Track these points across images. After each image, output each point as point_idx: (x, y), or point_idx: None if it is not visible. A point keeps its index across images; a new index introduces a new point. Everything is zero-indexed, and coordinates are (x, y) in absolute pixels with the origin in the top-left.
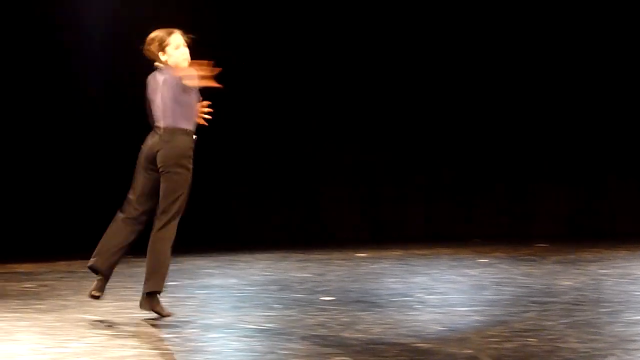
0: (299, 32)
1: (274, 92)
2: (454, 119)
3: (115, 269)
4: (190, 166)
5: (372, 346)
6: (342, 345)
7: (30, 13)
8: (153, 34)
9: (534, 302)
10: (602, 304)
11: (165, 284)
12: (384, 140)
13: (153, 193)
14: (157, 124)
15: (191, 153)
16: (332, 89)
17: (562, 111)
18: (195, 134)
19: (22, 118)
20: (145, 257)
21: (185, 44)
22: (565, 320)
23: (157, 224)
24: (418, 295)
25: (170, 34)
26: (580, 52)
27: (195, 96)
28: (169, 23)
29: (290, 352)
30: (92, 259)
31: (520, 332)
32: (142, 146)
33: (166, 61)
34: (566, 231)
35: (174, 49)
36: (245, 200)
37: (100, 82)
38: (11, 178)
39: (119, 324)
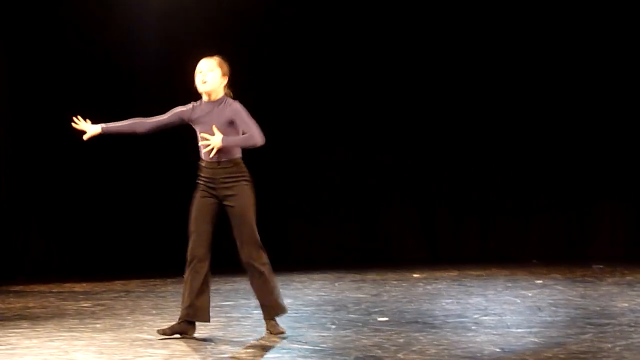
0: (354, 54)
1: (331, 112)
2: (510, 140)
3: (173, 289)
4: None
5: None
6: None
7: (87, 38)
8: None
9: (590, 324)
10: None
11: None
12: (440, 160)
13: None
14: None
15: (198, 181)
16: (389, 111)
17: (621, 132)
18: (202, 163)
19: (79, 141)
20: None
21: (208, 69)
22: (622, 343)
23: None
24: (474, 316)
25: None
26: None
27: (197, 130)
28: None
29: None
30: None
31: (576, 354)
32: None
33: None
34: (623, 252)
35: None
36: (300, 220)
37: (158, 105)
38: (68, 200)
39: (174, 343)
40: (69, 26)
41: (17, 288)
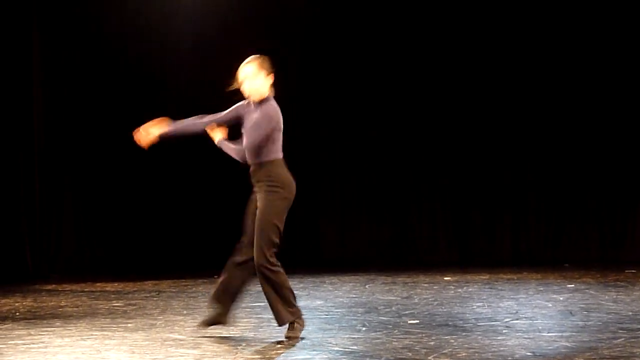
0: (392, 57)
1: (363, 115)
2: (544, 144)
3: (204, 289)
4: None
5: None
6: None
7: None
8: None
9: (622, 329)
10: None
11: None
12: (472, 163)
13: None
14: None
15: None
16: (421, 114)
17: None
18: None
19: (111, 141)
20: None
21: (245, 78)
22: None
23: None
24: (505, 319)
25: None
26: None
27: None
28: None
29: None
30: None
31: (608, 359)
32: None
33: None
34: None
35: None
36: (331, 223)
37: (190, 104)
38: (100, 200)
39: (205, 343)
40: (100, 26)
41: (50, 287)
